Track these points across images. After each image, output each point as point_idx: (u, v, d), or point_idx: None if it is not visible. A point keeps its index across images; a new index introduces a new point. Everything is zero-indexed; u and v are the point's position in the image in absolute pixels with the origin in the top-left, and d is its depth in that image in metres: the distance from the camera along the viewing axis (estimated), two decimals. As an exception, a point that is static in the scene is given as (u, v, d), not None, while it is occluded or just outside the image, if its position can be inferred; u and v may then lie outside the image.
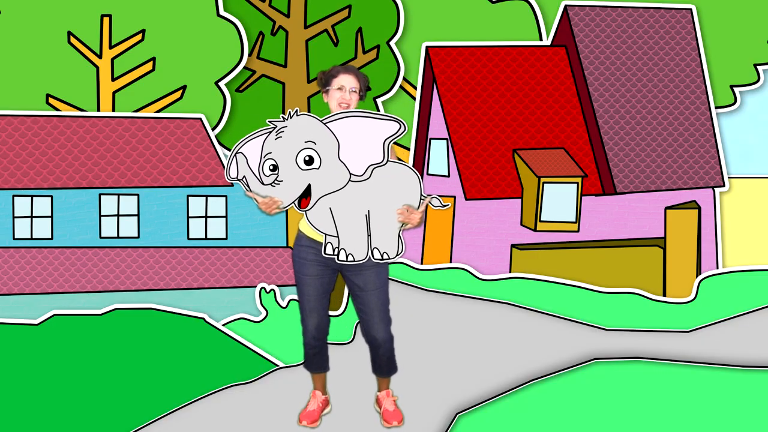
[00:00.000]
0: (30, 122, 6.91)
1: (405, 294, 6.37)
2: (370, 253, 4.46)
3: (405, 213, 4.44)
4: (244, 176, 4.38)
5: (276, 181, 4.28)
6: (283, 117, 4.30)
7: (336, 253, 4.46)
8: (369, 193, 4.39)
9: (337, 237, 4.44)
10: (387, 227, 4.46)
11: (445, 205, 4.58)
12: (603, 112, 7.11)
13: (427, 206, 4.54)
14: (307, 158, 4.26)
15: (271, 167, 4.28)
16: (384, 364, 4.82)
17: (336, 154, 4.29)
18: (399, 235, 4.51)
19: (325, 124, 4.30)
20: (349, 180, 4.32)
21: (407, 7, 7.16)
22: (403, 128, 4.32)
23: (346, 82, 4.56)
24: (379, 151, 4.31)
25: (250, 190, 4.40)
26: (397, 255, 4.51)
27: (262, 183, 4.32)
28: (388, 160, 4.35)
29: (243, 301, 6.81)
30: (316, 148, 4.26)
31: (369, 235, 4.44)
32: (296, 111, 4.30)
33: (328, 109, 4.62)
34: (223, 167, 6.97)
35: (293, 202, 4.32)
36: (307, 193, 4.31)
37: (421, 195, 4.51)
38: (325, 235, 4.47)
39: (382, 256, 4.47)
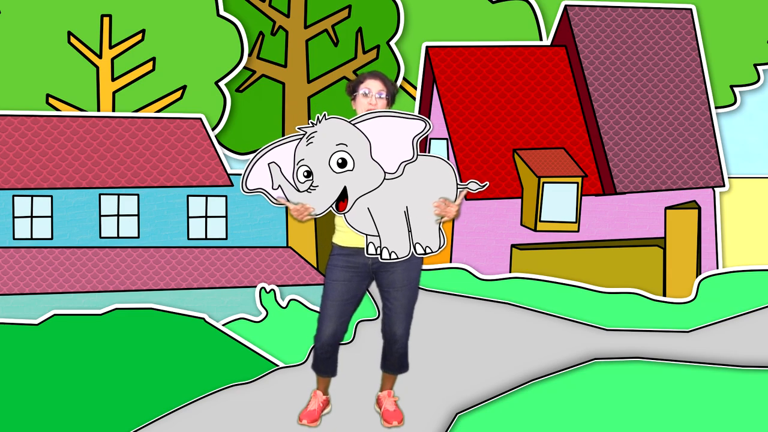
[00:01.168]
0: (30, 122, 6.91)
1: (405, 294, 6.36)
2: (412, 248, 4.46)
3: (441, 206, 4.45)
4: (272, 186, 4.35)
5: (311, 187, 4.28)
6: (311, 122, 4.31)
7: (379, 252, 4.45)
8: (405, 188, 4.39)
9: (378, 236, 4.43)
10: (427, 221, 4.45)
11: (484, 185, 4.55)
12: (603, 112, 7.11)
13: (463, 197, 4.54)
14: (340, 161, 4.27)
15: (306, 173, 4.28)
16: (396, 360, 4.82)
17: (369, 153, 4.30)
18: (440, 228, 4.51)
19: (354, 125, 4.30)
20: (384, 178, 4.33)
21: (407, 7, 7.16)
22: (428, 127, 4.34)
23: (372, 86, 4.57)
24: (409, 148, 4.33)
25: (273, 200, 4.39)
26: (439, 248, 4.50)
27: (298, 190, 4.31)
28: (418, 156, 4.36)
29: (243, 301, 6.81)
30: (349, 150, 4.26)
31: (410, 231, 4.44)
32: (324, 115, 4.30)
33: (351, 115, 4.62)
34: (223, 167, 6.97)
35: (330, 207, 4.32)
36: (343, 196, 4.31)
37: (458, 185, 4.51)
38: (366, 235, 4.47)
39: (425, 251, 4.46)
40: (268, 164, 4.35)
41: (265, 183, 4.39)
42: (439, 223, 4.50)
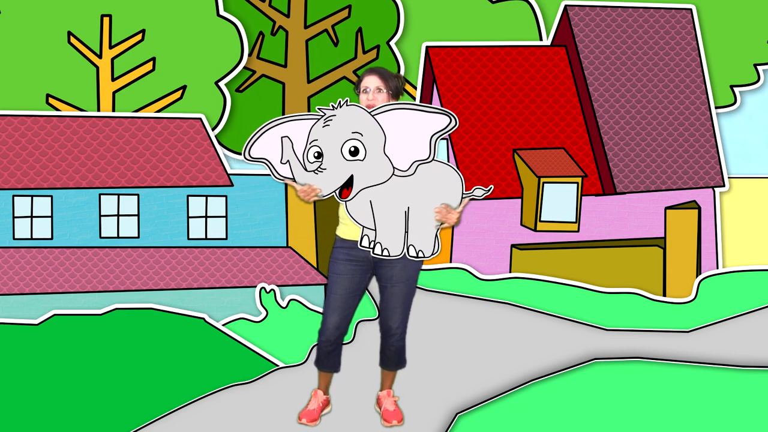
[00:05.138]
0: (30, 122, 6.91)
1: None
2: (405, 249, 4.45)
3: (443, 212, 4.45)
4: (280, 160, 4.35)
5: (319, 169, 4.27)
6: (332, 105, 4.29)
7: (372, 246, 4.45)
8: (411, 189, 4.39)
9: (374, 230, 4.43)
10: (425, 225, 4.45)
11: (489, 189, 4.56)
12: (603, 112, 7.11)
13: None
14: (352, 149, 4.26)
15: (316, 154, 4.28)
16: (393, 355, 4.82)
17: (382, 147, 4.29)
18: (436, 235, 4.50)
19: (373, 115, 4.29)
20: (392, 175, 4.32)
21: (407, 7, 7.16)
22: (454, 123, 4.31)
23: (369, 82, 4.58)
24: (426, 147, 4.31)
25: (278, 175, 4.38)
26: (432, 254, 4.50)
27: (305, 169, 4.30)
28: (433, 157, 4.34)
29: (243, 301, 6.80)
30: (363, 140, 4.26)
31: (406, 232, 4.44)
32: (346, 101, 4.29)
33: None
34: (223, 167, 6.97)
35: (334, 192, 4.32)
36: (349, 184, 4.31)
37: (463, 195, 4.51)
38: (363, 227, 4.47)
39: (417, 254, 4.46)
40: (281, 137, 4.33)
41: (271, 155, 4.37)
42: (438, 229, 4.50)
